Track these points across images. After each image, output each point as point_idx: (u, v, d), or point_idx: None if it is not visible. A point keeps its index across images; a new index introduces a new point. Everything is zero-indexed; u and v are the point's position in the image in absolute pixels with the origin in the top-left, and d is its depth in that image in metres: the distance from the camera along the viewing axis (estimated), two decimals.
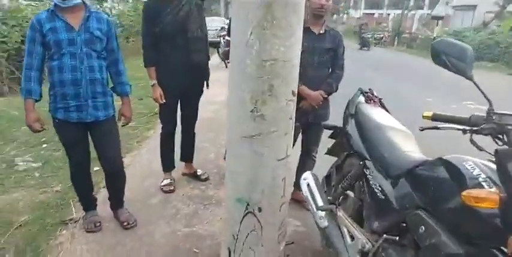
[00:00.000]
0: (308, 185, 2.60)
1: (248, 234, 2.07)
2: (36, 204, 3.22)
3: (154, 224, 2.97)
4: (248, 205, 2.04)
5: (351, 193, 2.53)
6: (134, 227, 2.93)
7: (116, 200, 3.02)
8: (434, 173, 1.62)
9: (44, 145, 4.52)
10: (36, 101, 2.50)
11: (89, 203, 2.99)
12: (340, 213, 2.26)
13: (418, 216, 1.57)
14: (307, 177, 2.66)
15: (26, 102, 2.48)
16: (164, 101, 3.23)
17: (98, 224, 2.88)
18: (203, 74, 3.38)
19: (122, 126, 2.87)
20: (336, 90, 3.05)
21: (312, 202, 2.48)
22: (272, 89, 1.78)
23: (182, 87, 3.27)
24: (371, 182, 2.07)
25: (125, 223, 2.92)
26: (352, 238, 2.09)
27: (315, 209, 2.41)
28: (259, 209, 2.04)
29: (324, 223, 2.31)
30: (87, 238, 2.78)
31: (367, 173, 2.12)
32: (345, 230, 2.17)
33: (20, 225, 2.91)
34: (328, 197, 2.53)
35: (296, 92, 1.89)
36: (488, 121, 1.41)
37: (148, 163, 4.10)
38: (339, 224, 2.24)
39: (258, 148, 1.86)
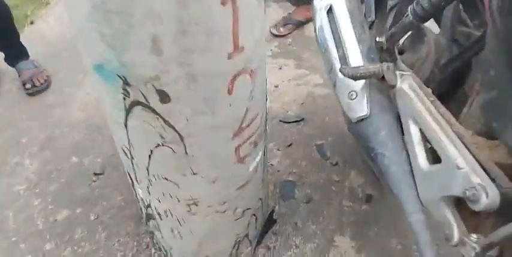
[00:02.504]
0: (330, 9, 1.12)
1: None
2: None
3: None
4: (126, 83, 0.73)
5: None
6: (43, 91, 1.90)
7: (7, 46, 1.91)
8: None
9: None
10: None
11: None
12: (407, 84, 0.88)
13: None
14: None
15: None
16: None
17: None
18: None
19: None
20: None
21: (332, 51, 1.07)
22: None
23: None
24: None
25: (28, 85, 1.88)
26: (435, 155, 0.77)
27: (338, 73, 1.02)
28: (163, 95, 0.73)
29: (361, 107, 0.95)
30: None
31: None
32: (415, 132, 0.83)
33: None
34: (378, 40, 1.07)
35: None
36: None
37: None
38: (404, 111, 0.89)
39: None
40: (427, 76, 1.12)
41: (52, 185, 1.46)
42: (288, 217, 1.32)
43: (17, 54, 1.93)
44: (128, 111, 0.78)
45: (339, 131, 1.59)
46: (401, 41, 1.16)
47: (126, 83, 0.72)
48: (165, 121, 0.77)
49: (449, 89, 1.12)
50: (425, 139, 0.83)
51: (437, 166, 0.78)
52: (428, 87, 0.94)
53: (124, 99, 0.76)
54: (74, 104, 1.79)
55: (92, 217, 1.34)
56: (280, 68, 1.96)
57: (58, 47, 2.07)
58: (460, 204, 0.77)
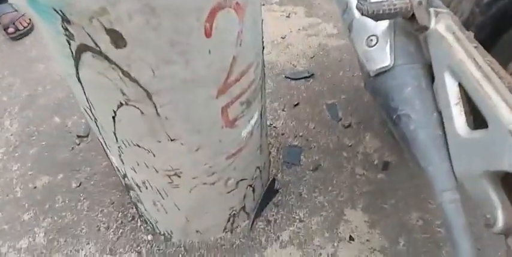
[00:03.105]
0: None
1: None
2: None
3: None
4: (66, 20, 0.54)
5: None
6: (26, 35, 1.76)
7: None
8: None
9: None
10: None
11: None
12: (444, 25, 0.68)
13: None
14: None
15: None
16: None
17: None
18: None
19: None
20: None
21: None
22: None
23: None
24: None
25: (10, 30, 1.74)
26: (479, 118, 0.58)
27: (355, 12, 0.81)
28: (115, 37, 0.54)
29: (382, 55, 0.75)
30: None
31: None
32: (453, 87, 0.63)
33: None
34: None
35: None
36: None
37: None
38: (438, 61, 0.69)
39: None
40: (466, 17, 0.91)
41: (32, 149, 1.32)
42: (291, 187, 1.16)
43: None
44: (77, 59, 0.60)
45: (354, 88, 1.39)
46: None
47: (65, 20, 0.53)
48: (123, 72, 0.59)
49: (491, 35, 0.90)
50: (465, 97, 0.63)
51: (481, 131, 0.59)
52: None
53: (68, 43, 0.58)
54: None
55: (74, 185, 1.21)
56: (288, 16, 1.73)
57: None
58: (507, 182, 0.59)
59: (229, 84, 0.69)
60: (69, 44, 0.58)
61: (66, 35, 0.56)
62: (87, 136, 1.33)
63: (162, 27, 0.54)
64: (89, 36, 0.55)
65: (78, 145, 1.31)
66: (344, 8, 0.86)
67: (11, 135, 1.37)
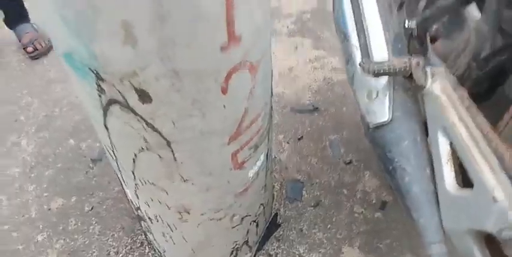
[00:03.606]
0: None
1: None
2: None
3: None
4: (99, 78, 0.61)
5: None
6: (44, 55, 1.84)
7: (10, 6, 1.80)
8: None
9: None
10: None
11: None
12: (439, 85, 0.74)
13: None
14: None
15: None
16: None
17: None
18: None
19: None
20: None
21: (352, 37, 0.92)
22: None
23: None
24: None
25: (29, 49, 1.80)
26: (467, 177, 0.64)
27: (358, 66, 0.88)
28: (143, 95, 0.61)
29: (382, 109, 0.81)
30: None
31: None
32: (444, 146, 0.69)
33: None
34: (408, 26, 0.93)
35: None
36: None
37: None
38: (432, 119, 0.75)
39: None
40: (463, 71, 0.97)
41: (48, 170, 1.38)
42: (293, 222, 1.21)
43: (19, 15, 1.83)
44: (106, 110, 0.67)
45: (356, 124, 1.45)
46: (435, 26, 1.00)
47: (99, 78, 0.61)
48: (147, 124, 0.66)
49: (487, 88, 0.96)
50: (456, 156, 0.69)
51: (468, 190, 0.64)
52: (463, 84, 0.80)
53: (100, 96, 0.65)
54: None
55: (87, 208, 1.27)
56: (296, 48, 1.81)
57: None
58: (491, 241, 0.65)
59: (239, 132, 0.76)
60: (100, 97, 0.65)
61: (98, 90, 0.63)
62: (101, 160, 1.40)
63: (185, 88, 0.61)
64: (119, 93, 0.62)
65: (92, 169, 1.38)
66: (348, 58, 0.93)
67: (28, 155, 1.44)
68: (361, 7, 0.88)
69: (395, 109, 0.80)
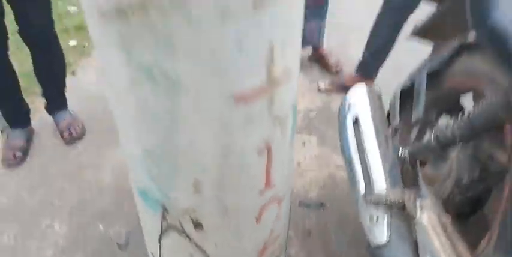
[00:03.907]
0: (356, 121, 1.20)
1: None
2: None
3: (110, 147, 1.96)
4: (166, 211, 0.81)
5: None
6: (79, 139, 2.03)
7: (52, 95, 2.03)
8: None
9: None
10: None
11: (13, 113, 1.95)
12: (427, 216, 0.92)
13: None
14: (356, 94, 1.24)
15: None
16: None
17: (19, 154, 1.89)
18: None
19: None
20: None
21: (356, 168, 1.12)
22: None
23: None
24: None
25: (65, 135, 2.00)
26: None
27: (360, 199, 1.07)
28: (197, 224, 0.80)
29: (381, 232, 0.99)
30: None
31: None
32: None
33: None
34: (401, 154, 1.14)
35: None
36: None
37: None
38: (422, 245, 0.93)
39: None
40: (447, 195, 1.16)
41: (78, 254, 1.52)
42: None
43: (59, 104, 2.05)
44: (164, 232, 0.85)
45: (359, 224, 1.62)
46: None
47: (165, 210, 0.80)
48: (197, 246, 0.84)
49: (468, 211, 1.14)
50: None
51: None
52: (448, 206, 0.98)
53: (161, 222, 0.83)
54: (106, 166, 1.89)
55: None
56: (304, 144, 2.03)
57: (95, 104, 2.18)
58: None
59: (265, 247, 0.93)
60: (162, 223, 0.84)
61: (161, 217, 0.82)
62: (127, 245, 1.54)
63: (230, 219, 0.80)
64: (179, 222, 0.80)
65: (119, 252, 1.52)
66: (354, 184, 1.13)
67: (60, 238, 1.58)
68: (363, 143, 1.11)
69: (392, 232, 0.98)
